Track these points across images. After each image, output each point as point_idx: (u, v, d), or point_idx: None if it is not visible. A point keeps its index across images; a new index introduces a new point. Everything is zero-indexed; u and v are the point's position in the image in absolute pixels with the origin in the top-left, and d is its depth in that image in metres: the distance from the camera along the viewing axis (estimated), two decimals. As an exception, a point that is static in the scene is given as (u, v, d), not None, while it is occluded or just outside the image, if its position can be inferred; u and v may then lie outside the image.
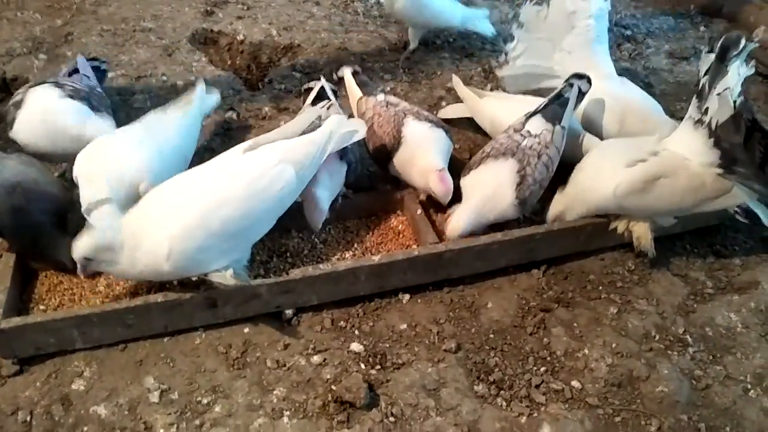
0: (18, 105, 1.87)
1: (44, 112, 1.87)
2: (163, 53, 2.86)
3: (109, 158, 1.74)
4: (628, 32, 3.38)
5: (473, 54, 3.09)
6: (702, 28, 3.48)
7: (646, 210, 1.90)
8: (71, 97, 1.91)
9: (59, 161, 2.07)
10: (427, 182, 1.96)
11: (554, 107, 2.03)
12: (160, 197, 1.63)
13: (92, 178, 1.69)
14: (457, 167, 2.05)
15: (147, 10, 3.12)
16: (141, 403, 1.57)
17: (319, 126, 1.84)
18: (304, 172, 1.75)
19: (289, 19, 3.20)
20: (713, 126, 1.76)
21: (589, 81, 2.11)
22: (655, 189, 1.83)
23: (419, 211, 2.02)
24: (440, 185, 1.93)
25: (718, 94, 1.74)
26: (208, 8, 3.18)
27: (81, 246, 1.55)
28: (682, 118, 1.98)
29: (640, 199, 1.84)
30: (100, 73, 2.27)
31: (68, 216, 1.80)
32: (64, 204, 1.80)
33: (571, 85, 2.08)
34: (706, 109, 1.79)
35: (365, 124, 2.01)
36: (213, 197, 1.61)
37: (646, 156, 1.84)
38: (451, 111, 2.57)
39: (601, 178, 1.87)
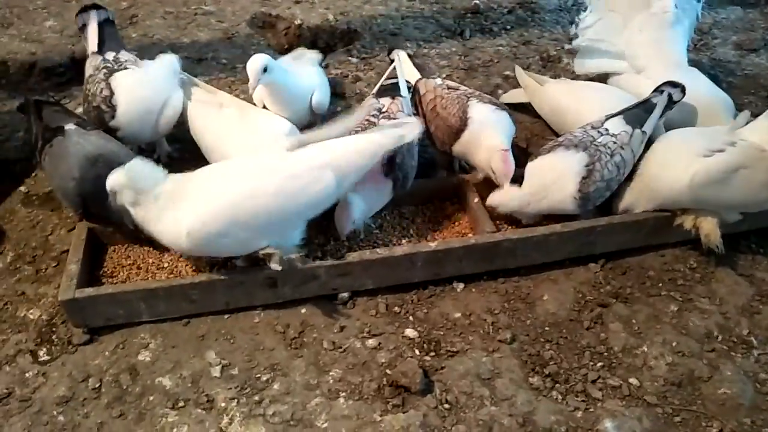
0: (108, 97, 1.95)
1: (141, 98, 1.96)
2: (223, 36, 2.90)
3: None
4: (694, 22, 3.26)
5: (530, 42, 3.04)
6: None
7: (720, 202, 1.84)
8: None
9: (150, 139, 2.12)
10: (489, 162, 1.94)
11: (639, 111, 1.97)
12: (207, 174, 1.67)
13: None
14: (514, 154, 2.02)
15: (208, -6, 3.18)
16: (203, 376, 1.63)
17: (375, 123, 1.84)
18: (345, 181, 1.70)
19: (346, 4, 3.20)
20: None
21: (683, 90, 2.02)
22: (734, 180, 1.77)
23: (476, 200, 2.00)
24: (503, 165, 1.91)
25: None
26: (267, -8, 3.22)
27: (113, 176, 1.61)
28: (750, 112, 1.91)
29: (716, 190, 1.79)
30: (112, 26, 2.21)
31: None
32: None
33: (662, 92, 2.01)
34: None
35: (419, 122, 1.88)
36: (246, 188, 1.62)
37: (723, 146, 1.78)
38: (508, 97, 2.53)
39: (672, 169, 1.81)
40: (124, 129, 1.96)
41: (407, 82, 2.15)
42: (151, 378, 1.62)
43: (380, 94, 2.06)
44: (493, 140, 1.94)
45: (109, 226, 1.83)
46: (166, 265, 1.84)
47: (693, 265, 1.97)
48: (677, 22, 2.31)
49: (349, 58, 2.84)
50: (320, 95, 2.15)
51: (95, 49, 2.09)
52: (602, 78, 2.45)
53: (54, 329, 1.73)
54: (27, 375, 1.62)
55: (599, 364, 1.70)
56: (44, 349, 1.68)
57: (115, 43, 2.13)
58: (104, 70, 2.00)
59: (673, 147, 1.88)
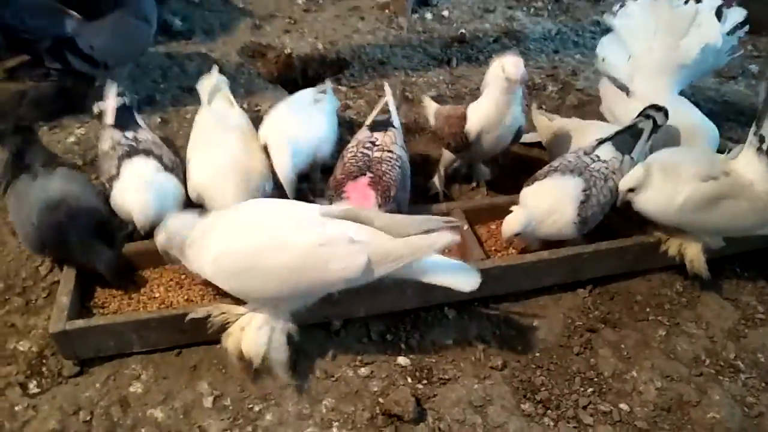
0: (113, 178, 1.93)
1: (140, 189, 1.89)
2: (214, 66, 2.93)
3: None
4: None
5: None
6: (749, 47, 3.43)
7: (703, 227, 1.89)
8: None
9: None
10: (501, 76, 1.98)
11: (626, 137, 2.03)
12: (241, 213, 1.66)
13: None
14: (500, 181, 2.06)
15: (198, 23, 3.21)
16: (195, 407, 1.62)
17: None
18: (373, 269, 1.55)
19: (334, 33, 3.26)
20: None
21: (666, 114, 2.07)
22: (719, 208, 1.82)
23: (466, 227, 2.03)
24: (514, 66, 1.93)
25: None
26: (257, 22, 3.27)
27: (157, 241, 1.69)
28: (729, 138, 1.97)
29: (702, 215, 1.84)
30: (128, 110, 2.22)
31: (106, 227, 1.87)
32: (104, 215, 1.88)
33: (648, 117, 2.06)
34: (762, 136, 1.81)
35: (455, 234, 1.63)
36: (277, 238, 1.57)
37: (718, 174, 1.84)
38: (528, 138, 2.46)
39: (669, 186, 1.84)
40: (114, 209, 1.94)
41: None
42: (143, 410, 1.61)
43: (372, 126, 2.10)
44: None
45: (78, 268, 1.82)
46: (157, 295, 1.84)
47: (679, 289, 2.01)
48: (691, 67, 2.33)
49: (339, 86, 2.88)
50: (324, 151, 2.14)
51: (112, 122, 2.10)
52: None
53: (44, 361, 1.71)
54: (17, 408, 1.61)
55: (590, 390, 1.72)
56: (34, 382, 1.67)
57: (133, 122, 2.15)
58: (123, 148, 1.98)
59: (677, 164, 1.89)
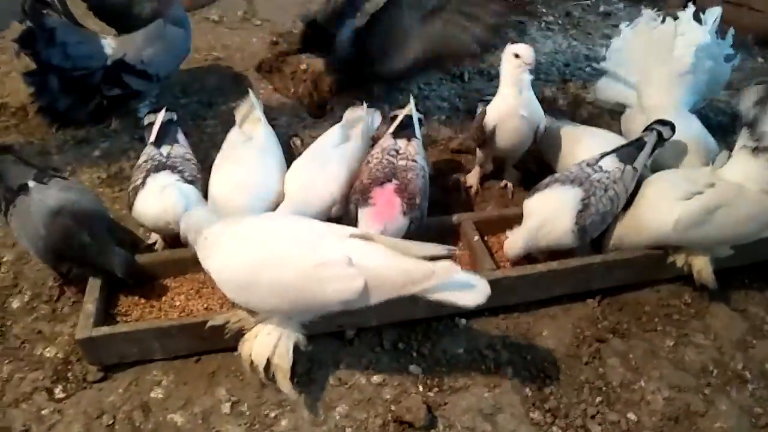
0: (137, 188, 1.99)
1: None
2: (232, 81, 3.03)
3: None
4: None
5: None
6: (760, 60, 3.45)
7: (708, 241, 1.91)
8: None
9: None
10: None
11: (630, 149, 2.07)
12: (251, 225, 1.71)
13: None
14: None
15: (218, 41, 3.31)
16: (214, 413, 1.68)
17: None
18: (372, 296, 1.56)
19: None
20: None
21: (672, 128, 2.12)
22: (715, 219, 1.85)
23: (476, 238, 2.08)
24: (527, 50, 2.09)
25: None
26: (274, 39, 3.35)
27: (182, 221, 1.77)
28: (728, 152, 2.00)
29: (701, 230, 1.87)
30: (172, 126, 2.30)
31: (113, 230, 1.97)
32: (108, 218, 1.98)
33: (652, 130, 2.11)
34: (761, 135, 1.86)
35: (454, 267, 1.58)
36: (276, 253, 1.60)
37: (702, 188, 1.87)
38: None
39: (657, 213, 1.90)
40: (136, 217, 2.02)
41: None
42: (163, 415, 1.67)
43: (396, 134, 2.17)
44: None
45: (88, 274, 1.88)
46: (177, 303, 1.91)
47: (688, 300, 2.03)
48: (691, 73, 2.40)
49: (354, 100, 2.94)
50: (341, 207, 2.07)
51: (153, 140, 2.17)
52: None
53: (70, 367, 1.78)
54: (43, 412, 1.68)
55: (598, 399, 1.75)
56: (60, 387, 1.74)
57: (172, 138, 2.21)
58: (153, 162, 2.05)
59: (659, 190, 1.96)
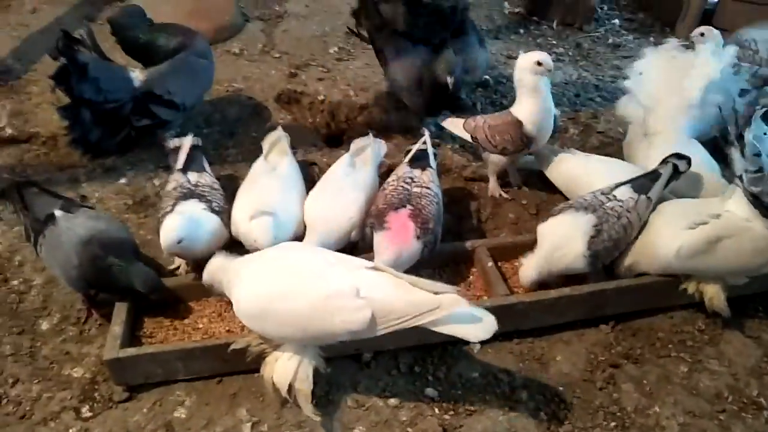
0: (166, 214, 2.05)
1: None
2: (252, 111, 3.13)
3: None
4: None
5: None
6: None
7: (711, 270, 1.95)
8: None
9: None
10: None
11: (645, 180, 2.11)
12: (264, 259, 1.78)
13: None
14: (524, 220, 2.14)
15: (239, 72, 3.43)
16: (235, 433, 1.72)
17: None
18: (379, 326, 1.60)
19: (365, 80, 3.43)
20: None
21: (689, 162, 2.15)
22: (718, 251, 1.89)
23: (490, 264, 2.13)
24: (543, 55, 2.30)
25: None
26: (292, 71, 3.47)
27: (204, 273, 1.85)
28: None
29: (703, 260, 1.91)
30: (198, 153, 2.40)
31: (136, 251, 2.04)
32: (131, 244, 2.04)
33: (668, 163, 2.15)
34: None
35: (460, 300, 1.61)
36: (284, 287, 1.66)
37: (707, 218, 1.91)
38: (522, 162, 2.65)
39: (662, 241, 1.95)
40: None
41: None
42: (186, 435, 1.72)
43: (411, 164, 2.25)
44: None
45: (119, 299, 1.95)
46: (200, 326, 1.97)
47: (701, 326, 2.06)
48: (698, 107, 2.45)
49: (369, 130, 3.03)
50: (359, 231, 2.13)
51: (180, 167, 2.26)
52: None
53: (96, 387, 1.84)
54: (71, 431, 1.73)
55: (612, 424, 1.77)
56: (87, 406, 1.79)
57: (198, 165, 2.31)
58: (182, 190, 2.13)
59: (666, 218, 2.01)
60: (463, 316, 1.60)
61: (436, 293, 1.60)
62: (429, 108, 2.83)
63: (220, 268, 1.80)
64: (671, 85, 2.48)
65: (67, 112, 2.51)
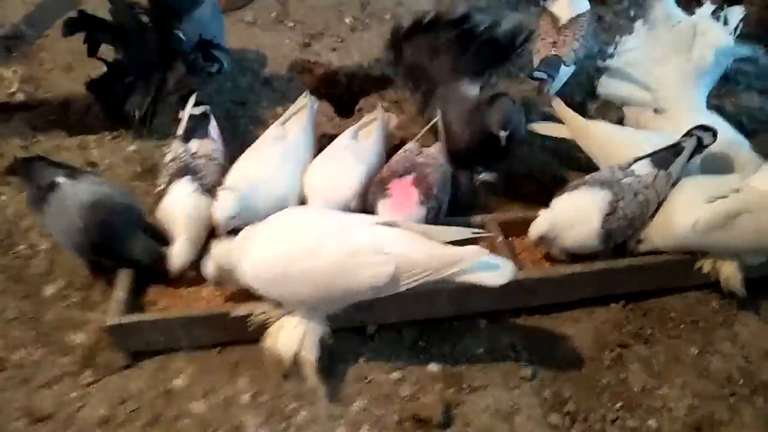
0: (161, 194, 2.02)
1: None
2: (264, 81, 3.09)
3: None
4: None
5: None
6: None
7: (729, 247, 1.88)
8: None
9: None
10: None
11: (666, 154, 2.03)
12: (279, 221, 1.74)
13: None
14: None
15: (251, 41, 3.37)
16: (234, 403, 1.71)
17: None
18: (402, 281, 1.59)
19: (379, 51, 3.35)
20: None
21: (714, 134, 2.06)
22: (738, 225, 1.82)
23: (500, 239, 2.08)
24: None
25: None
26: (306, 40, 3.40)
27: (208, 273, 1.81)
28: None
29: (721, 235, 1.83)
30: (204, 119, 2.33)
31: (146, 222, 2.00)
32: (140, 211, 2.01)
33: (692, 136, 2.06)
34: None
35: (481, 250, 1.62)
36: (304, 247, 1.64)
37: (728, 192, 1.84)
38: (542, 129, 2.49)
39: (678, 214, 1.88)
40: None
41: None
42: (185, 403, 1.71)
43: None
44: None
45: (122, 266, 1.93)
46: (204, 294, 1.95)
47: (715, 307, 1.99)
48: (710, 72, 2.38)
49: (382, 102, 2.97)
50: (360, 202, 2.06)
51: (181, 133, 2.21)
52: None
53: (97, 353, 1.84)
54: (71, 395, 1.74)
55: (618, 404, 1.73)
56: (88, 372, 1.79)
57: (202, 132, 2.24)
58: (178, 164, 2.07)
59: (684, 193, 1.94)
60: (483, 264, 1.60)
61: (456, 242, 1.61)
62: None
63: (224, 255, 1.74)
64: (679, 56, 2.39)
65: (99, 86, 2.56)
